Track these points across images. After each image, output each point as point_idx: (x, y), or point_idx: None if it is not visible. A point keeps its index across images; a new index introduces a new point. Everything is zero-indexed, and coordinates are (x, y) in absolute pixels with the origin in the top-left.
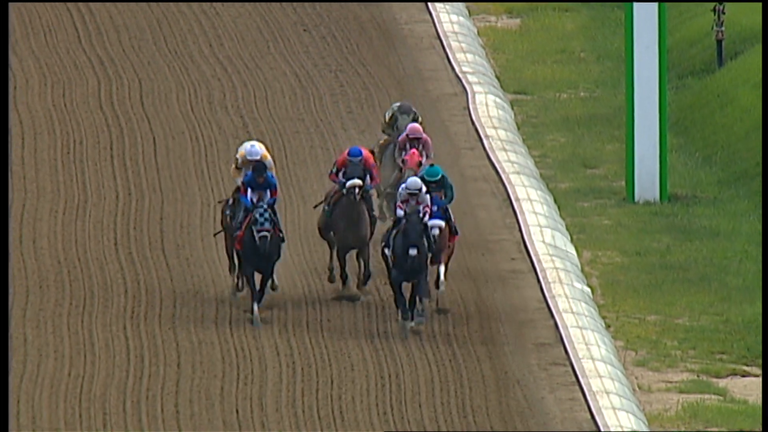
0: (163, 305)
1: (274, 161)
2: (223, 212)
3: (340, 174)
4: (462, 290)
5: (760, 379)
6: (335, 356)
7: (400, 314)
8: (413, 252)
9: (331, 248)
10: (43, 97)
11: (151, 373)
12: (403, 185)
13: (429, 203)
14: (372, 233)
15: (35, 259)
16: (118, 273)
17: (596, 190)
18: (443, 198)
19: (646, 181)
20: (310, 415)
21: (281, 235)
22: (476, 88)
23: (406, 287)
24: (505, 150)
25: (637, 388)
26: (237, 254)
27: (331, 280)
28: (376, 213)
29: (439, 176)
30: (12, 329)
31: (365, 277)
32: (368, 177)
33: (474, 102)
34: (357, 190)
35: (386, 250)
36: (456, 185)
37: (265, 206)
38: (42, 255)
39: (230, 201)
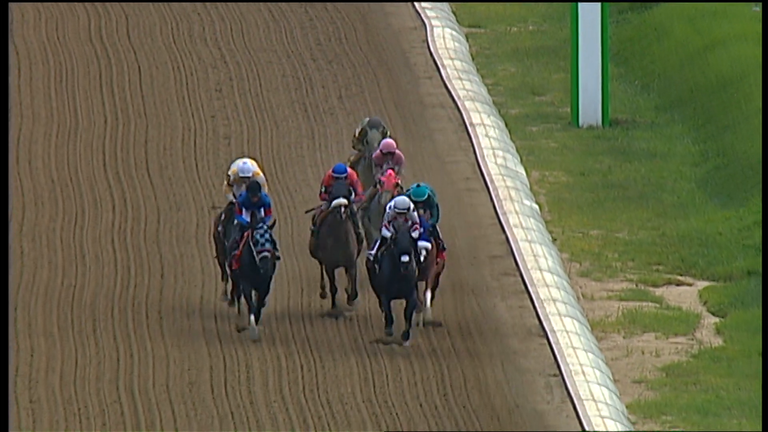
0: (147, 221)
1: (250, 94)
2: (215, 225)
3: (325, 192)
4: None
5: (693, 288)
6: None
7: (384, 326)
8: (405, 259)
9: (321, 266)
10: (38, 30)
11: (136, 283)
12: (391, 204)
13: (417, 221)
14: (359, 251)
15: (31, 178)
16: (106, 191)
17: (544, 115)
18: (430, 218)
19: (589, 108)
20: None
21: (277, 254)
22: (434, 22)
23: (395, 306)
24: (460, 79)
25: (581, 297)
26: (233, 273)
27: (323, 296)
28: (361, 230)
29: (426, 196)
30: (9, 243)
31: (353, 294)
32: (353, 194)
33: (432, 35)
34: (342, 209)
35: (375, 266)
36: (415, 112)
37: (265, 227)
38: (37, 175)
39: (222, 216)
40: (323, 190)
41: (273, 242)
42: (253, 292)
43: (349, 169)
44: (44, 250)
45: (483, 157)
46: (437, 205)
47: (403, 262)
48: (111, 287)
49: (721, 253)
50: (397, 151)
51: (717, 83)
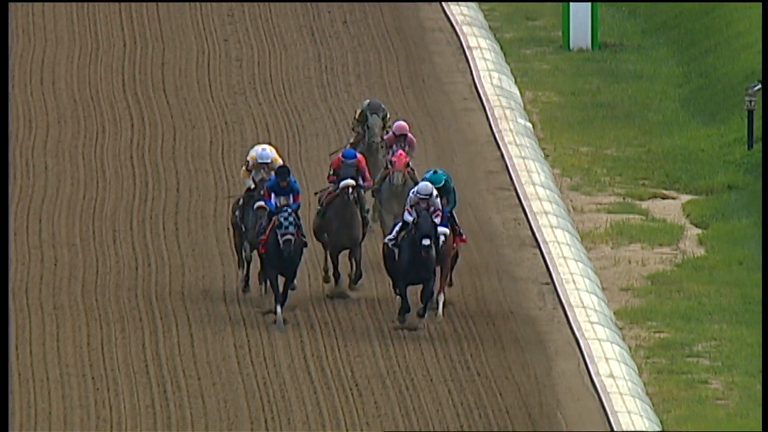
0: (164, 138)
1: (260, 19)
2: (232, 211)
3: (333, 174)
4: (421, 125)
5: (677, 201)
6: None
7: (397, 313)
8: (426, 242)
9: (325, 249)
10: None
11: (154, 197)
12: (414, 189)
13: (440, 207)
14: (364, 234)
15: (54, 98)
16: (125, 110)
17: (537, 39)
18: (447, 204)
19: (580, 31)
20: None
21: (304, 239)
22: None
23: (412, 293)
24: (458, 4)
25: (571, 209)
26: (260, 258)
27: (326, 280)
28: (368, 215)
29: (443, 182)
30: (34, 159)
31: (356, 276)
32: (361, 179)
33: None
34: (350, 189)
35: (393, 247)
36: (416, 36)
37: (290, 210)
38: (60, 95)
39: (240, 201)
40: (331, 172)
41: (298, 226)
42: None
43: (358, 155)
44: (67, 165)
45: (480, 78)
46: (454, 191)
47: (424, 246)
48: (130, 200)
49: (703, 169)
50: (410, 134)
51: (700, 9)
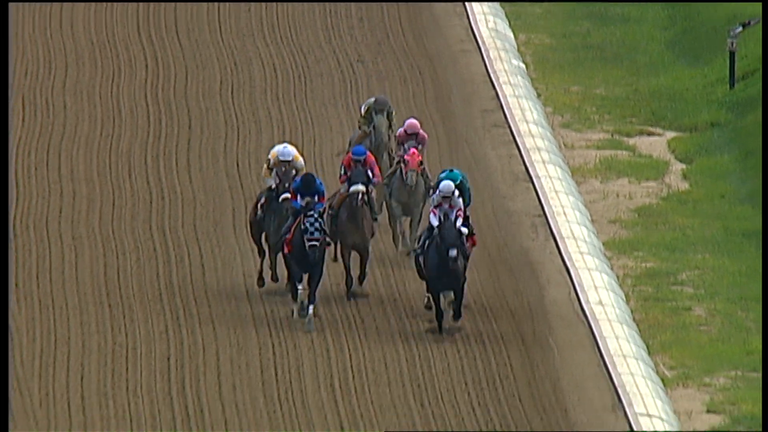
0: (176, 79)
1: None
2: (253, 210)
3: (345, 174)
4: (420, 66)
5: (662, 138)
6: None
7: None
8: (453, 253)
9: (335, 247)
10: None
11: (167, 134)
12: (437, 190)
13: (461, 206)
14: (373, 235)
15: (73, 40)
16: (140, 53)
17: None
18: (462, 202)
19: None
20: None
21: (328, 242)
22: None
23: (445, 301)
24: None
25: (562, 146)
26: (285, 258)
27: (335, 259)
28: (377, 215)
29: (458, 180)
30: (54, 98)
31: (362, 276)
32: (371, 174)
33: None
34: (360, 195)
35: (419, 257)
36: None
37: (316, 215)
38: (78, 37)
39: (261, 199)
40: (343, 172)
41: (323, 231)
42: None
43: (367, 152)
44: (85, 104)
45: (476, 22)
46: (469, 190)
47: (451, 257)
48: (144, 137)
49: (687, 107)
50: (421, 131)
51: None
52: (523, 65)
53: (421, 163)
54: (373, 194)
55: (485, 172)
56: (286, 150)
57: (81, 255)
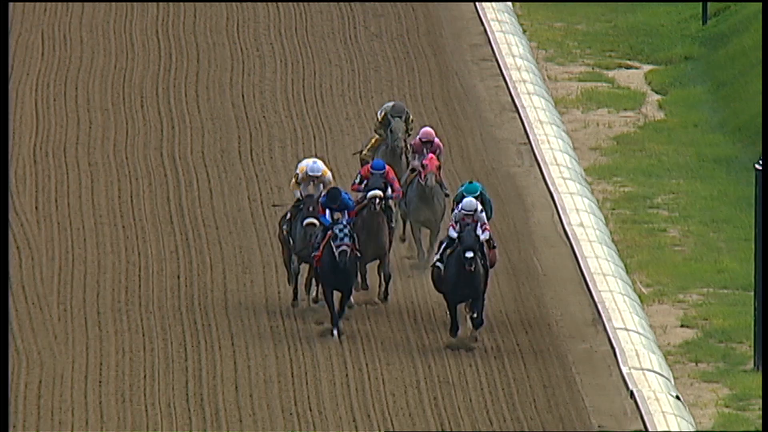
0: (185, 14)
1: None
2: (280, 226)
3: (362, 185)
4: (414, 4)
5: (640, 71)
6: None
7: (449, 331)
8: (469, 254)
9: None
10: None
11: (177, 67)
12: (459, 206)
13: (485, 221)
14: (391, 243)
15: None
16: None
17: None
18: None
19: None
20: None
21: (358, 253)
22: None
23: (461, 310)
24: None
25: (546, 78)
26: (315, 273)
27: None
28: (394, 224)
29: (478, 192)
30: (71, 33)
31: (385, 290)
32: (389, 189)
33: None
34: (377, 200)
35: (439, 264)
36: None
37: (345, 222)
38: None
39: (287, 215)
40: (357, 180)
41: (353, 237)
42: (335, 295)
43: (387, 166)
44: (100, 38)
45: None
46: (489, 201)
47: (467, 258)
48: (155, 70)
49: (663, 42)
50: (436, 139)
51: None
52: (509, 3)
53: (440, 168)
54: (391, 203)
55: (474, 102)
56: (316, 165)
57: (96, 180)
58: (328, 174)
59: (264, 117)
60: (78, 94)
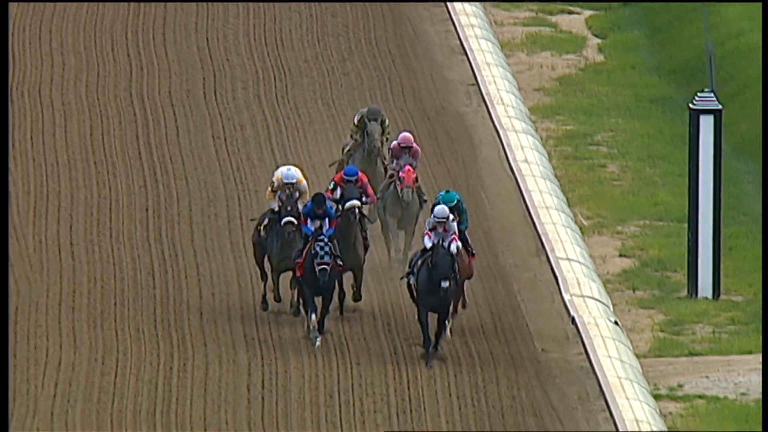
0: None
1: None
2: (256, 230)
3: (337, 193)
4: None
5: (581, 16)
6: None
7: (423, 342)
8: (445, 285)
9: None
10: None
11: (145, 12)
12: (432, 215)
13: (456, 231)
14: (366, 252)
15: None
16: None
17: None
18: (460, 223)
19: None
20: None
21: (340, 265)
22: None
23: (431, 318)
24: None
25: (493, 23)
26: (297, 281)
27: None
28: (368, 233)
29: (455, 201)
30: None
31: (357, 296)
32: (364, 196)
33: None
34: (356, 210)
35: (410, 279)
36: None
37: (326, 240)
38: None
39: (265, 220)
40: (331, 187)
41: (333, 255)
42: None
43: (359, 172)
44: None
45: None
46: (466, 211)
47: (443, 288)
48: (125, 15)
49: None
50: (415, 145)
51: None
52: None
53: (417, 179)
54: (366, 212)
55: (425, 45)
56: (290, 172)
57: (70, 119)
58: (304, 182)
59: (227, 59)
60: (52, 37)
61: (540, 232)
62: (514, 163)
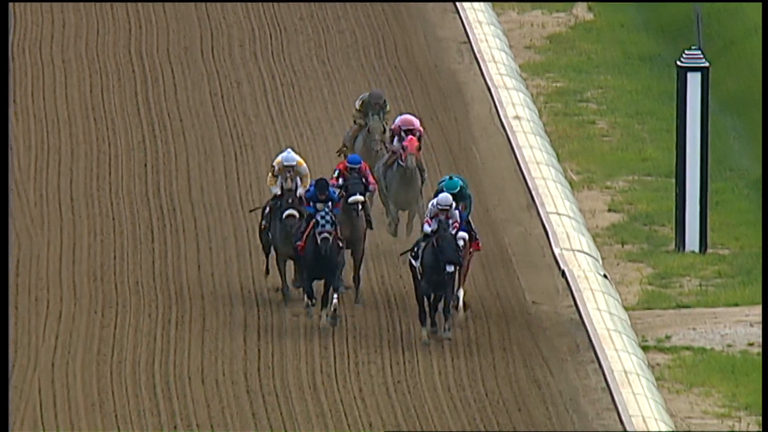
0: None
1: None
2: (260, 223)
3: (341, 181)
4: None
5: None
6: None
7: (421, 324)
8: (450, 269)
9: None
10: None
11: None
12: (434, 201)
13: (458, 219)
14: (366, 234)
15: None
16: None
17: None
18: (464, 209)
19: None
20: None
21: (341, 242)
22: None
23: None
24: None
25: None
26: (297, 262)
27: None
28: (371, 218)
29: (458, 188)
30: None
31: (357, 279)
32: (366, 182)
33: None
34: (359, 206)
35: (414, 262)
36: None
37: (327, 209)
38: None
39: (266, 209)
40: (336, 175)
41: (334, 224)
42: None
43: (362, 162)
44: None
45: None
46: (470, 197)
47: (448, 272)
48: None
49: None
50: (416, 123)
51: None
52: None
53: (420, 148)
54: (368, 203)
55: (418, 4)
56: (290, 155)
57: (70, 76)
58: (304, 165)
59: (224, 18)
60: None
61: (530, 187)
62: (505, 120)
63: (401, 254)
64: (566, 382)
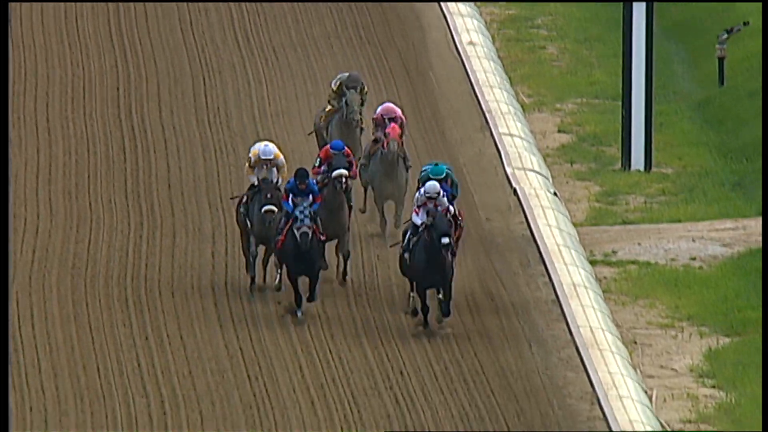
0: None
1: None
2: (237, 210)
3: (323, 168)
4: None
5: None
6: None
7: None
8: (446, 240)
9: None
10: None
11: None
12: (422, 190)
13: (447, 206)
14: (349, 221)
15: None
16: None
17: None
18: (451, 195)
19: None
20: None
21: (322, 237)
22: None
23: (431, 295)
24: None
25: None
26: (279, 260)
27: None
28: (353, 202)
29: (444, 173)
30: None
31: (344, 269)
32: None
33: None
34: (343, 179)
35: (406, 255)
36: None
37: (306, 205)
38: None
39: (244, 199)
40: (317, 163)
41: (314, 220)
42: (300, 281)
43: (345, 147)
44: None
45: None
46: (456, 183)
47: (444, 244)
48: None
49: None
50: (398, 111)
51: None
52: None
53: (402, 135)
54: (351, 186)
55: None
56: (267, 148)
57: (45, 4)
58: (281, 157)
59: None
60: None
61: (484, 109)
62: (460, 45)
63: (391, 246)
64: (518, 294)
